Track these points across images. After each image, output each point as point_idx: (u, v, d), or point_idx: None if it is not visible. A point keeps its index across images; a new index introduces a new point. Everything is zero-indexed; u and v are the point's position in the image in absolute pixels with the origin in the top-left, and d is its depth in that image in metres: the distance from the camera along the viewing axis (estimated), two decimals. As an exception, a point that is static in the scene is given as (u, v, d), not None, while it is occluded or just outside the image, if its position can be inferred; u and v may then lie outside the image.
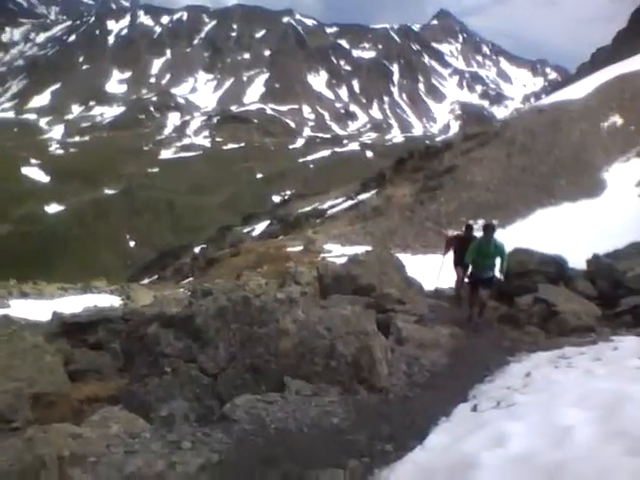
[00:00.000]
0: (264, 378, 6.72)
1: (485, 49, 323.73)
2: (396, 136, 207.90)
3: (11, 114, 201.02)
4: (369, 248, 21.62)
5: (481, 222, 24.56)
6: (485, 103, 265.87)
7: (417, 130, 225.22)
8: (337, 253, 23.26)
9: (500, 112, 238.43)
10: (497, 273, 9.65)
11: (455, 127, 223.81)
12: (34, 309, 12.74)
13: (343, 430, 5.26)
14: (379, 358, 6.77)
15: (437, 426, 4.99)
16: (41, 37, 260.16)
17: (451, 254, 12.00)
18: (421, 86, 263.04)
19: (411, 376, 6.96)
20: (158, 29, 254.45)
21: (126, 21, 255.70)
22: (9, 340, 7.97)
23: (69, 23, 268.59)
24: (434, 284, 13.56)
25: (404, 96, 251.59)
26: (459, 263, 11.27)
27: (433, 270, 13.47)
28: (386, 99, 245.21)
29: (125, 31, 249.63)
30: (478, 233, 11.24)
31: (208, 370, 6.94)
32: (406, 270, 13.15)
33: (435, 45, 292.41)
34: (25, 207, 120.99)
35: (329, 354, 6.77)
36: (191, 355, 7.19)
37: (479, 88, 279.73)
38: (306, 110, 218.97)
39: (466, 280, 10.59)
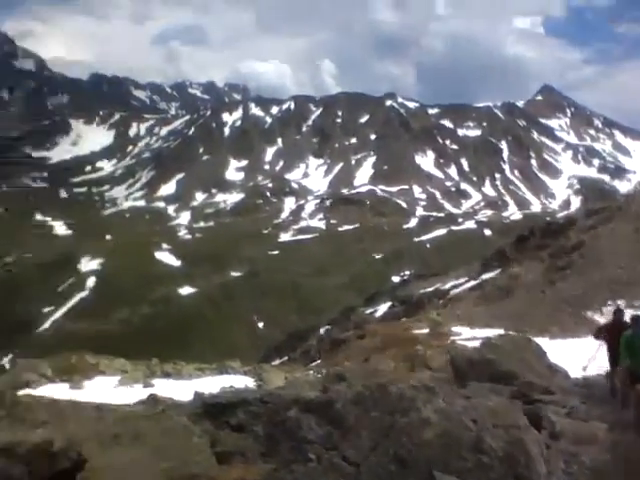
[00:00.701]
0: (411, 471, 6.49)
1: (597, 122, 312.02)
2: (513, 213, 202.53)
3: (142, 202, 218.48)
4: (500, 331, 20.83)
5: (621, 303, 22.99)
6: (605, 177, 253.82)
7: (535, 207, 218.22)
8: (467, 336, 22.50)
9: (623, 186, 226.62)
10: None
11: (576, 203, 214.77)
12: (175, 389, 13.30)
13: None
14: (535, 454, 6.41)
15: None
16: (164, 131, 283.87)
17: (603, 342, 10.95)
18: (533, 162, 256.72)
19: (571, 475, 6.50)
20: (269, 119, 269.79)
21: (239, 113, 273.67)
22: (159, 420, 8.28)
23: (188, 117, 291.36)
24: (583, 371, 12.63)
25: (516, 172, 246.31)
26: (612, 355, 10.34)
27: (576, 356, 12.61)
28: (498, 176, 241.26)
29: (239, 122, 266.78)
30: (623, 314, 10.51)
31: (350, 459, 6.84)
32: (547, 356, 12.47)
33: (543, 120, 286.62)
34: (160, 289, 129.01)
35: (477, 447, 6.49)
36: (332, 442, 7.13)
37: (596, 162, 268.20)
38: (416, 190, 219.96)
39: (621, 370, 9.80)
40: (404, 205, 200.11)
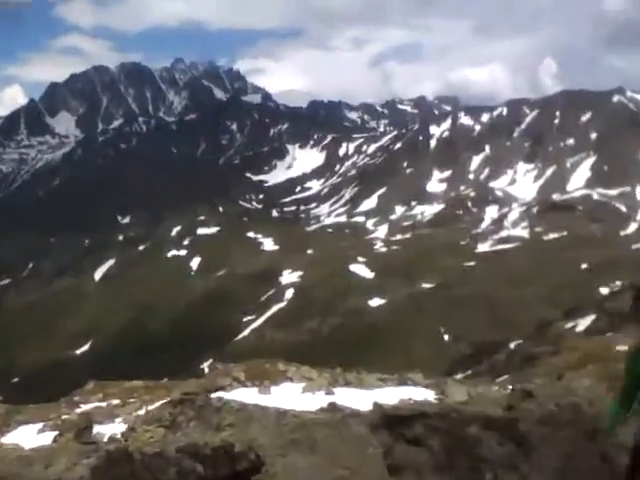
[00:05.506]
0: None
1: None
2: None
3: (344, 218, 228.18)
4: None
5: None
6: None
7: None
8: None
9: None
10: None
11: None
12: (356, 398, 13.26)
13: None
14: None
15: None
16: (371, 148, 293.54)
17: None
18: None
19: None
20: (477, 127, 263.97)
21: (447, 124, 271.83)
22: (336, 428, 8.32)
23: (395, 133, 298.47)
24: None
25: None
26: None
27: None
28: None
29: (446, 133, 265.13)
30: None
31: (531, 480, 6.62)
32: None
33: None
34: (351, 301, 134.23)
35: None
36: (513, 463, 7.01)
37: None
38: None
39: None
40: (624, 209, 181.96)
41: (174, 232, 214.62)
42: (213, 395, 12.84)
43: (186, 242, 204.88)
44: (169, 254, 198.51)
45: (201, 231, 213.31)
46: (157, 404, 14.29)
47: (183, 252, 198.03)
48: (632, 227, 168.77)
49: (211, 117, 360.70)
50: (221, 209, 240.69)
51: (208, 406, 11.62)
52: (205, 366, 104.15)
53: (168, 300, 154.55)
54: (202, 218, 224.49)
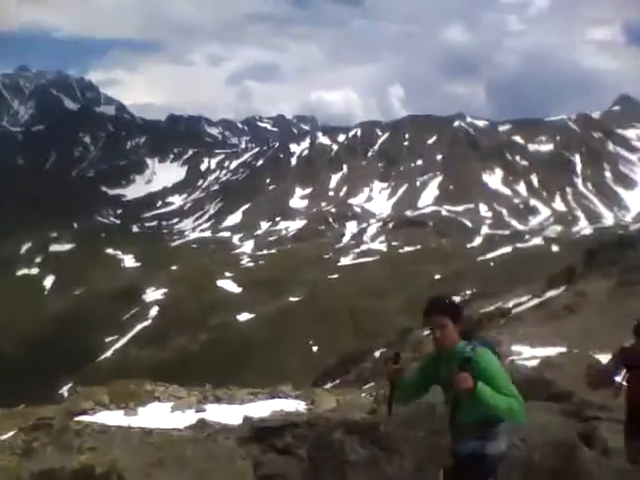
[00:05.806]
0: (458, 492, 6.36)
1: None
2: (584, 228, 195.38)
3: (208, 233, 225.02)
4: (562, 350, 19.88)
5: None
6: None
7: (608, 220, 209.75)
8: (526, 355, 21.49)
9: None
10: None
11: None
12: (226, 413, 13.27)
13: None
14: (586, 472, 6.29)
15: None
16: (233, 164, 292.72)
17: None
18: (608, 174, 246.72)
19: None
20: (335, 147, 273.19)
21: (306, 143, 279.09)
22: (204, 444, 8.34)
23: (257, 150, 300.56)
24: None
25: (589, 185, 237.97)
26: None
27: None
28: (569, 190, 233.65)
29: (306, 152, 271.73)
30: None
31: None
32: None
33: (619, 131, 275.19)
34: (219, 316, 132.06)
35: (526, 466, 6.34)
36: (377, 464, 7.16)
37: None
38: (482, 209, 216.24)
39: None
40: (469, 224, 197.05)
41: (23, 250, 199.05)
42: (74, 419, 12.27)
43: (38, 260, 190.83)
44: (19, 273, 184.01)
45: (54, 248, 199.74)
46: (12, 432, 13.31)
47: (35, 270, 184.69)
48: (477, 240, 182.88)
49: (61, 128, 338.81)
50: (75, 225, 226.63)
51: (67, 430, 11.01)
52: (65, 390, 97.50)
53: (20, 322, 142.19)
54: (54, 234, 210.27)
